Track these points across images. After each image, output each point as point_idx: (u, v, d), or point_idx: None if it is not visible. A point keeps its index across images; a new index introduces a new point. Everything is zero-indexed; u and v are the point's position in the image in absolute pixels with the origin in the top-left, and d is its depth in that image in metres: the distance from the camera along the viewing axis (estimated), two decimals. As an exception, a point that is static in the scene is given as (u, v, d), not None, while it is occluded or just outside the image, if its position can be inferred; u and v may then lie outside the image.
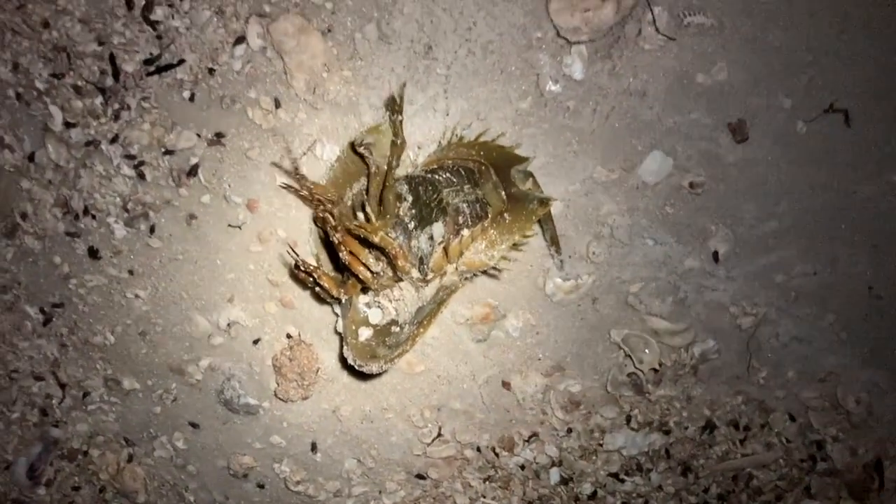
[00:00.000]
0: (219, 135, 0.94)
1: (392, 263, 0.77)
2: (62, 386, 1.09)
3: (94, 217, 1.00)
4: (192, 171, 0.96)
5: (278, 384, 1.04)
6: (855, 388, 1.00)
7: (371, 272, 0.78)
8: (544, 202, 0.83)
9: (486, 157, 0.86)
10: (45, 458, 1.12)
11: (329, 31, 0.89)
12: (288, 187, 0.94)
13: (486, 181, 0.85)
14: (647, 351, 0.98)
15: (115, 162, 0.97)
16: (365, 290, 0.83)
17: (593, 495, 1.06)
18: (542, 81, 0.89)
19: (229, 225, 0.99)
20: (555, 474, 1.06)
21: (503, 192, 0.85)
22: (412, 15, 0.87)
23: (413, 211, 0.80)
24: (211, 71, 0.92)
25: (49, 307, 1.06)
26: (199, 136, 0.95)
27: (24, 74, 0.94)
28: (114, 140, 0.96)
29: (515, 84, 0.89)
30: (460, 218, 0.82)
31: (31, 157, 0.98)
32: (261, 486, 1.11)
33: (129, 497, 1.14)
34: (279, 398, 1.04)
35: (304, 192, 0.85)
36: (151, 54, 0.92)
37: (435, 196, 0.82)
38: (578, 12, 0.85)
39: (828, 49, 0.85)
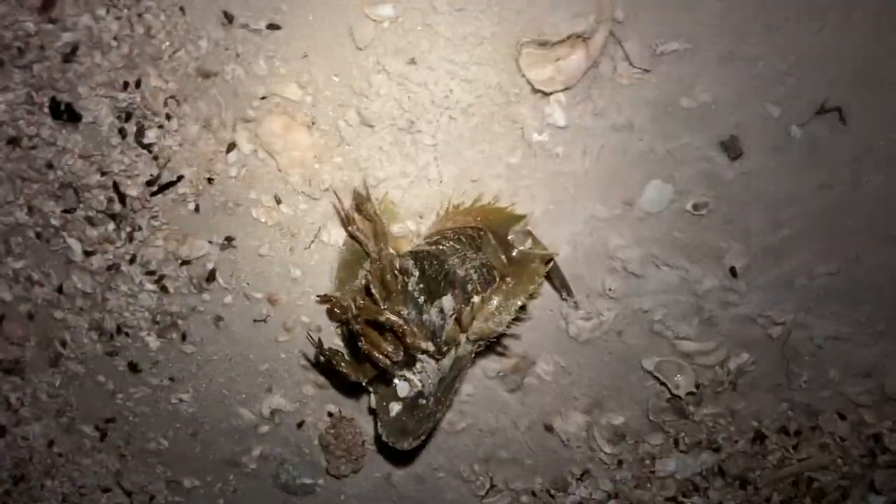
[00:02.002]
0: (229, 238, 0.97)
1: (402, 341, 0.79)
2: (128, 494, 1.14)
3: (127, 334, 1.04)
4: (211, 277, 1.00)
5: (328, 461, 1.07)
6: (902, 376, 0.98)
7: (391, 360, 0.79)
8: (546, 261, 0.84)
9: (483, 222, 0.87)
10: (125, 563, 1.17)
11: (313, 123, 0.91)
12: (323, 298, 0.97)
13: (486, 246, 0.86)
14: (680, 375, 0.97)
15: (137, 280, 1.01)
16: (383, 374, 0.85)
17: (656, 521, 1.06)
18: (528, 133, 0.89)
19: (254, 320, 1.02)
20: (613, 507, 1.06)
21: (503, 257, 0.85)
22: (389, 94, 0.89)
23: (421, 285, 0.81)
24: (210, 180, 0.95)
25: (103, 423, 1.11)
26: (210, 242, 0.98)
27: (39, 214, 0.99)
28: (132, 260, 1.00)
29: (502, 141, 0.90)
30: (469, 286, 0.82)
31: (59, 289, 1.03)
32: (330, 560, 1.14)
33: (209, 588, 1.18)
34: (332, 475, 1.07)
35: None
36: (151, 175, 0.95)
37: (440, 268, 0.83)
38: (549, 63, 0.86)
39: (807, 50, 0.84)
